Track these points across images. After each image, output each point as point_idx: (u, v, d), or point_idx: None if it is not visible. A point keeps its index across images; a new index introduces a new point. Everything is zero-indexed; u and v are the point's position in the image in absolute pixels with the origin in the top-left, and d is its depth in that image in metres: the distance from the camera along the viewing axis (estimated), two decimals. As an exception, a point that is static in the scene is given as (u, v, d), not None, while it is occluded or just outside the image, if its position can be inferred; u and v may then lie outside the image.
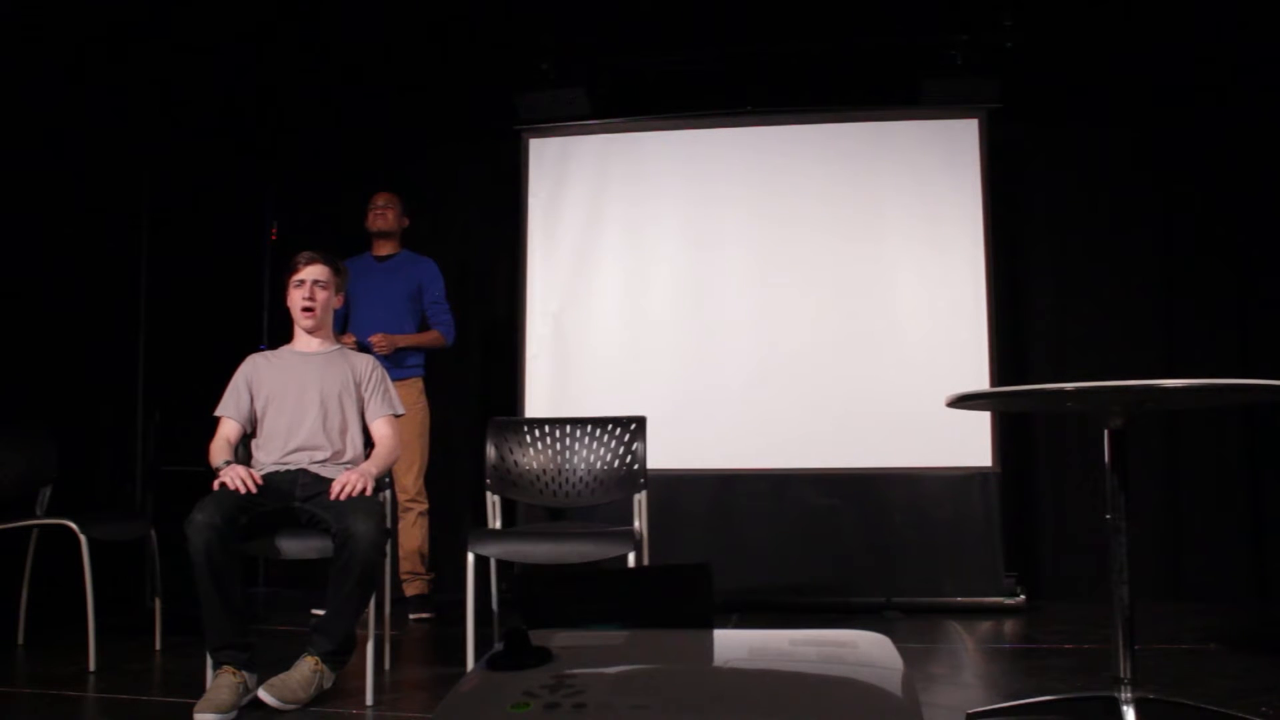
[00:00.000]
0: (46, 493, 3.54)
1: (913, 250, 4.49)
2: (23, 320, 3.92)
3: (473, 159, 5.13)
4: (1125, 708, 2.20)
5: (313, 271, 3.05)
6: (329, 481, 2.84)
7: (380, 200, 4.33)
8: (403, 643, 3.69)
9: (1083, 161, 4.72)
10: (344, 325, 4.22)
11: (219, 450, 2.91)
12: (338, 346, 3.18)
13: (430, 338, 4.27)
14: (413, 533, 4.22)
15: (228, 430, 2.98)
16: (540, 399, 4.64)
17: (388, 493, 3.13)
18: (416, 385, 4.25)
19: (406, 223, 4.40)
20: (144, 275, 4.61)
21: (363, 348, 4.04)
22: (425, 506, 4.24)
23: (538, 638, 1.24)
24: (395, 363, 4.13)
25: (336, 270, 3.12)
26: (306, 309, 3.06)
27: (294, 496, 2.87)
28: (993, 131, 4.49)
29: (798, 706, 1.08)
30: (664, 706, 1.06)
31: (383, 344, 4.07)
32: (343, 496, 2.76)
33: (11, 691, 2.86)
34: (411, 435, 4.15)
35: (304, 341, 3.12)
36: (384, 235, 4.33)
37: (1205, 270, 4.58)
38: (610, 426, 3.41)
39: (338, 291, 3.15)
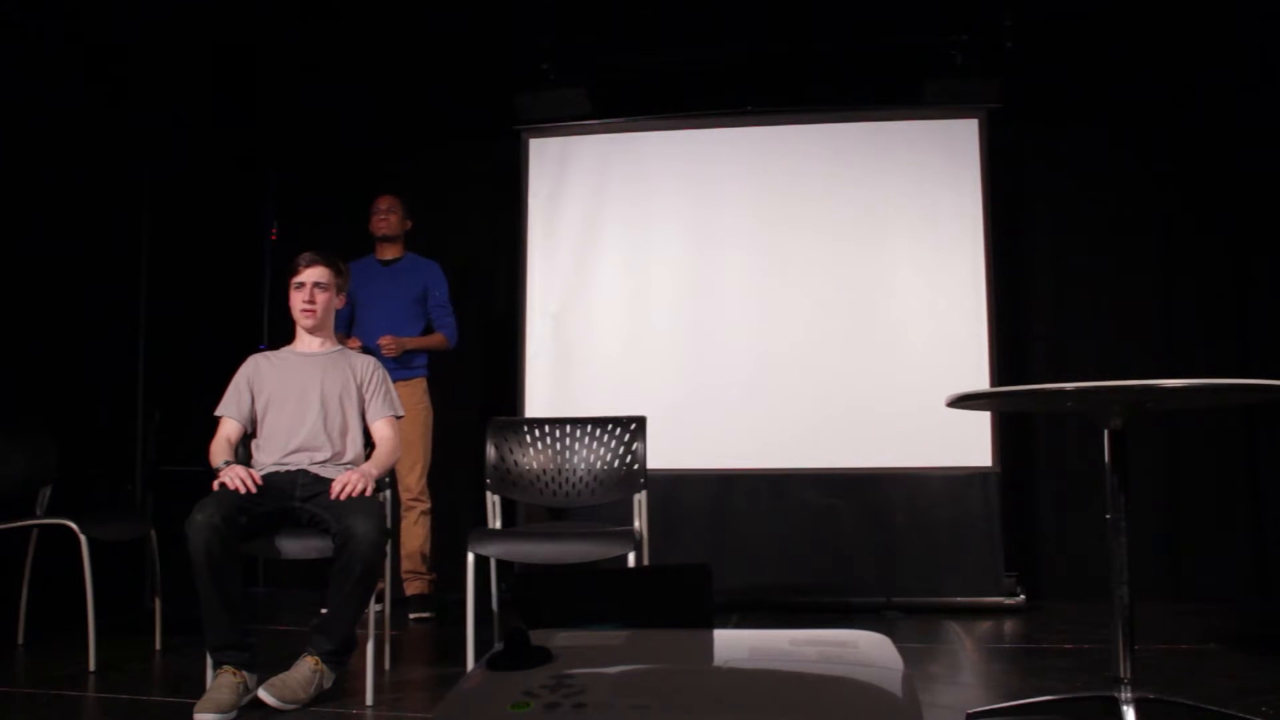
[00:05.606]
0: (46, 493, 3.54)
1: (913, 250, 4.49)
2: (23, 320, 3.92)
3: (473, 159, 5.12)
4: (1125, 708, 2.20)
5: (313, 274, 3.05)
6: (329, 482, 2.84)
7: (383, 205, 4.33)
8: (403, 643, 3.69)
9: (1083, 161, 4.72)
10: (349, 328, 4.22)
11: (219, 450, 2.91)
12: (339, 347, 3.18)
13: (436, 340, 4.28)
14: (415, 532, 4.22)
15: (228, 430, 2.98)
16: (540, 399, 4.64)
17: (388, 493, 3.13)
18: (420, 385, 4.26)
19: (410, 225, 4.40)
20: (144, 275, 4.61)
21: (369, 351, 4.04)
22: (428, 506, 4.25)
23: (538, 638, 1.24)
24: (401, 364, 4.14)
25: (338, 271, 3.12)
26: (306, 310, 3.06)
27: (294, 497, 2.87)
28: (993, 131, 4.49)
29: (798, 706, 1.08)
30: (664, 706, 1.06)
31: (390, 346, 4.07)
32: (342, 497, 2.76)
33: (11, 691, 2.86)
34: (415, 435, 4.15)
35: (305, 342, 3.13)
36: (388, 239, 4.33)
37: (1205, 270, 4.57)
38: (610, 426, 3.41)
39: (339, 292, 3.14)
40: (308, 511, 2.84)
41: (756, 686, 1.15)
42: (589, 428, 3.43)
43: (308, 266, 3.06)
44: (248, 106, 5.01)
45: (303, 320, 3.08)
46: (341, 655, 2.72)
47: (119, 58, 4.35)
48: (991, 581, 4.25)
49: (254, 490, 2.73)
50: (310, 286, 3.06)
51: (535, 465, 3.42)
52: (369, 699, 2.71)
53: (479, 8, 4.58)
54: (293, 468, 2.94)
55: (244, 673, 2.61)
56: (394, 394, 3.15)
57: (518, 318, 4.73)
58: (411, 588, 4.25)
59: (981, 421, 4.32)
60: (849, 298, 4.50)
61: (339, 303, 3.16)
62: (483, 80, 4.90)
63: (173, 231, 4.71)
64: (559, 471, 3.42)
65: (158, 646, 3.47)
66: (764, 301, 4.54)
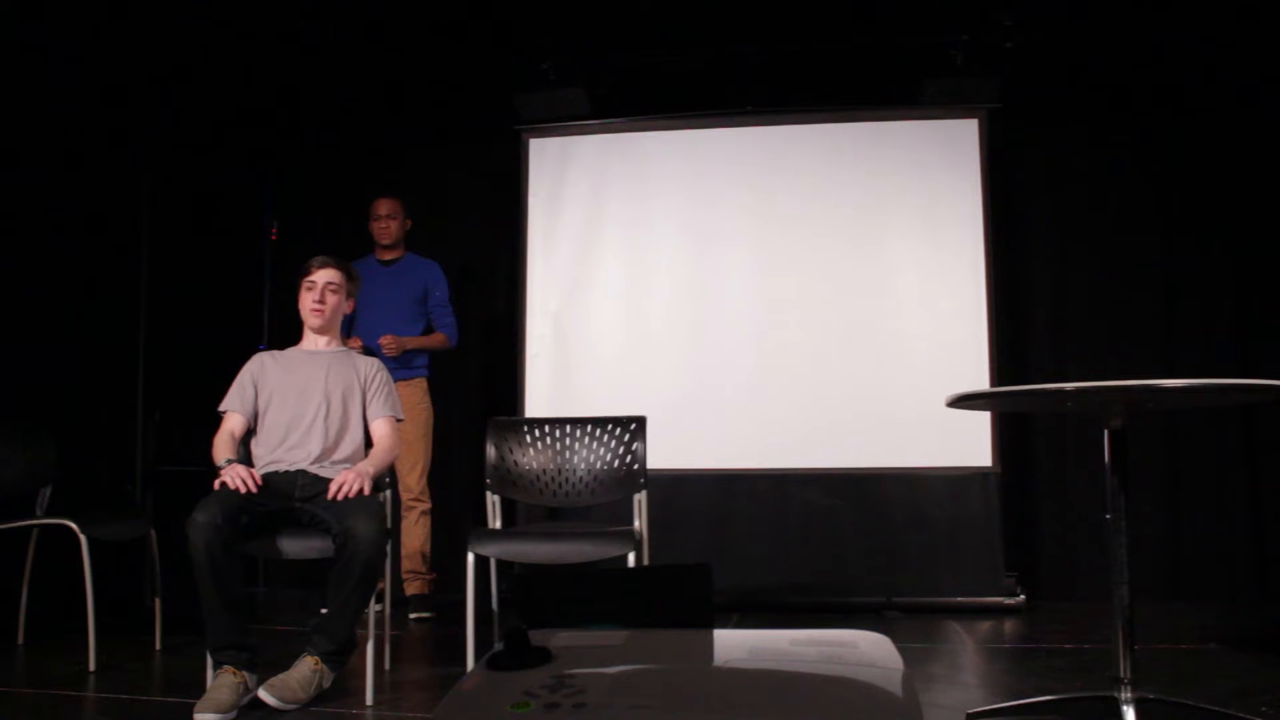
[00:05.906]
0: (46, 493, 3.54)
1: (913, 250, 4.49)
2: (23, 320, 3.92)
3: (473, 159, 5.12)
4: (1125, 708, 2.20)
5: (325, 275, 3.09)
6: (328, 482, 2.84)
7: (383, 210, 4.33)
8: (403, 643, 3.69)
9: (1083, 161, 4.72)
10: (349, 328, 4.22)
11: (222, 445, 2.91)
12: (344, 348, 3.19)
13: (436, 340, 4.28)
14: (415, 531, 4.22)
15: (232, 424, 2.98)
16: (540, 399, 4.64)
17: (388, 493, 3.13)
18: (421, 385, 4.26)
19: (410, 224, 4.41)
20: (144, 275, 4.61)
21: (369, 351, 4.04)
22: (428, 506, 4.25)
23: (538, 638, 1.24)
24: (402, 363, 4.15)
25: (349, 276, 3.16)
26: (315, 309, 3.08)
27: (293, 497, 2.87)
28: (993, 131, 4.49)
29: (798, 706, 1.08)
30: (664, 706, 1.06)
31: (391, 346, 4.08)
32: (339, 497, 2.76)
33: (11, 691, 2.86)
34: (415, 435, 4.16)
35: (311, 341, 3.14)
36: (388, 246, 4.34)
37: (1205, 270, 4.57)
38: (610, 426, 3.41)
39: (348, 297, 3.17)
40: (308, 512, 2.84)
41: (756, 686, 1.15)
42: (589, 428, 3.43)
43: (320, 268, 3.09)
44: (247, 106, 5.01)
45: (311, 320, 3.10)
46: (341, 655, 2.72)
47: (119, 58, 4.35)
48: (991, 581, 4.25)
49: (254, 490, 2.73)
50: (322, 287, 3.08)
51: (535, 465, 3.42)
52: (369, 699, 2.71)
53: (479, 7, 4.57)
54: (291, 467, 2.94)
55: (244, 673, 2.61)
56: (396, 396, 3.16)
57: (518, 318, 4.73)
58: (411, 588, 4.25)
59: (981, 421, 4.32)
60: (849, 297, 4.49)
61: (347, 308, 3.19)
62: (483, 80, 4.90)
63: (173, 231, 4.71)
64: (559, 471, 3.42)
65: (158, 646, 3.47)
66: (764, 301, 4.54)
